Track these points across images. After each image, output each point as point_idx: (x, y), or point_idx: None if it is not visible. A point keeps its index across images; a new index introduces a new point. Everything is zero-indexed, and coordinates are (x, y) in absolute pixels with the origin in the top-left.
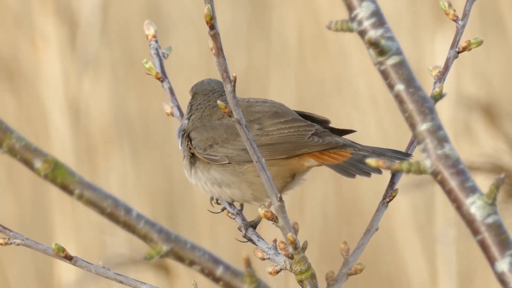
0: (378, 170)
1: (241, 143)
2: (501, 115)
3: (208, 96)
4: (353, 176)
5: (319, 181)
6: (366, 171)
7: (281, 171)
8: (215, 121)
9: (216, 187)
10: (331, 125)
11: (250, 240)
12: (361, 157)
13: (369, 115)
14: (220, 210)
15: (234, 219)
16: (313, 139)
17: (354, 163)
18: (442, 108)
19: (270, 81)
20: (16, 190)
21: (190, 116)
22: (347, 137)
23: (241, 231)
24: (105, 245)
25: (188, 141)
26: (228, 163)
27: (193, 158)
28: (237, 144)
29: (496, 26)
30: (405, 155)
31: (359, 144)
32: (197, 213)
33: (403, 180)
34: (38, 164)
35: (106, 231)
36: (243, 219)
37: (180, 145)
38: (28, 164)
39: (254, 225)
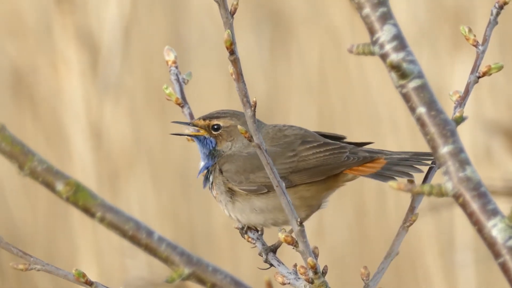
0: (417, 169)
1: (278, 170)
2: None
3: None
4: (394, 179)
5: (339, 205)
6: (406, 172)
7: (319, 190)
8: (250, 150)
9: (258, 216)
10: (349, 139)
11: (271, 265)
12: (395, 160)
13: (389, 139)
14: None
15: (254, 244)
16: (349, 158)
17: (391, 167)
18: (462, 132)
19: (291, 105)
20: (37, 213)
21: (225, 144)
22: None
23: (261, 256)
24: (126, 269)
25: (221, 175)
26: (267, 191)
27: (231, 193)
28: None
29: None
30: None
31: (386, 150)
32: (217, 236)
33: (423, 203)
34: (60, 186)
35: (127, 254)
36: (263, 244)
37: (209, 181)
38: (50, 186)
39: (274, 249)
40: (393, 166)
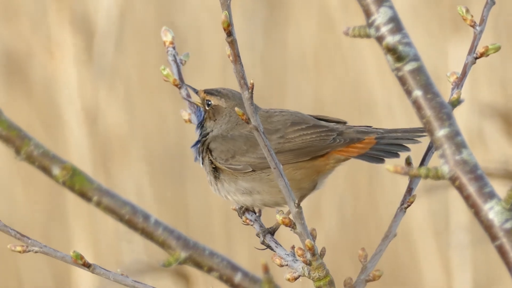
0: (406, 148)
1: (262, 151)
2: None
3: (231, 108)
4: (382, 161)
5: (337, 187)
6: (394, 152)
7: (308, 173)
8: (234, 132)
9: (246, 196)
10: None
11: (268, 246)
12: (385, 139)
13: (385, 122)
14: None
15: (252, 225)
16: (335, 140)
17: (381, 147)
18: (457, 115)
19: (286, 88)
20: (33, 197)
21: (209, 122)
22: None
23: (259, 237)
24: (123, 253)
25: (209, 154)
26: (252, 171)
27: (216, 172)
28: (258, 153)
29: (511, 32)
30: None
31: (380, 128)
32: (213, 220)
33: (419, 185)
34: (56, 171)
35: (124, 238)
36: (261, 225)
37: (198, 157)
38: (46, 171)
39: (272, 231)
40: (382, 146)
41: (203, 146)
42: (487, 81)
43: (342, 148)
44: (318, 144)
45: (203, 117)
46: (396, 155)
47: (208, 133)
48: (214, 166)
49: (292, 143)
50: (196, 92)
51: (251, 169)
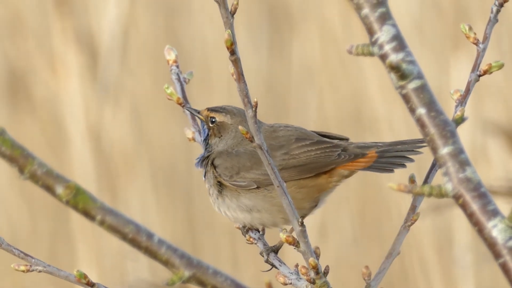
0: (409, 159)
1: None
2: None
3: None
4: (391, 171)
5: (341, 205)
6: (399, 163)
7: (311, 192)
8: (239, 149)
9: (245, 214)
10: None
11: (272, 265)
12: (387, 152)
13: (387, 138)
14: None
15: (255, 244)
16: (340, 156)
17: (383, 160)
18: (461, 132)
19: (290, 105)
20: (37, 216)
21: (213, 139)
22: None
23: (263, 256)
24: (127, 272)
25: (213, 169)
26: (257, 187)
27: (220, 187)
28: (263, 169)
29: None
30: (422, 141)
31: (379, 142)
32: (219, 238)
33: (424, 204)
34: (59, 190)
35: (128, 257)
36: (265, 244)
37: (203, 173)
38: (50, 190)
39: (276, 250)
40: (385, 159)
41: (208, 160)
42: (490, 98)
43: (347, 164)
44: (323, 160)
45: (207, 134)
46: (402, 165)
47: (213, 149)
48: (218, 182)
49: (297, 159)
50: (198, 112)
51: (255, 186)
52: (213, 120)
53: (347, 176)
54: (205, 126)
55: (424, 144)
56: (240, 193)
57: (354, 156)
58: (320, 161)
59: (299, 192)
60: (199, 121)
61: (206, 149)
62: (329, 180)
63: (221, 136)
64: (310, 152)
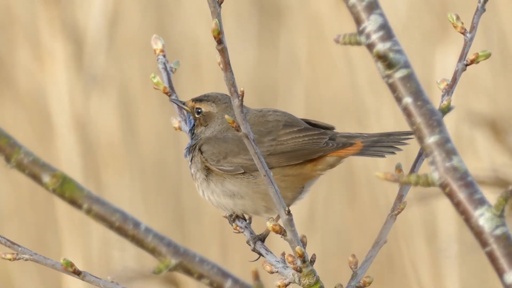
0: (396, 149)
1: None
2: (506, 130)
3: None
4: (382, 155)
5: (328, 194)
6: (380, 155)
7: (296, 181)
8: (227, 134)
9: (228, 199)
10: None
11: (259, 254)
12: (370, 143)
13: (375, 128)
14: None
15: (242, 232)
16: (327, 144)
17: (368, 149)
18: (447, 122)
19: (278, 93)
20: (23, 206)
21: (199, 129)
22: None
23: (249, 245)
24: (113, 260)
25: (200, 154)
26: (243, 173)
27: (207, 171)
28: (250, 155)
29: (500, 41)
30: (409, 133)
31: (364, 133)
32: (207, 228)
33: (411, 193)
34: (46, 178)
35: (114, 246)
36: (251, 232)
37: (189, 159)
38: (36, 178)
39: (262, 238)
40: (370, 148)
41: (195, 146)
42: (476, 88)
43: (334, 152)
44: (310, 147)
45: (193, 124)
46: (391, 152)
47: (199, 137)
48: (205, 166)
49: (284, 146)
50: (183, 103)
51: (242, 171)
52: (199, 110)
53: (332, 166)
54: (191, 117)
55: (411, 137)
56: (226, 178)
57: (342, 144)
58: (307, 148)
59: (284, 180)
60: (185, 112)
61: (192, 138)
62: (314, 169)
63: (207, 124)
64: (298, 139)
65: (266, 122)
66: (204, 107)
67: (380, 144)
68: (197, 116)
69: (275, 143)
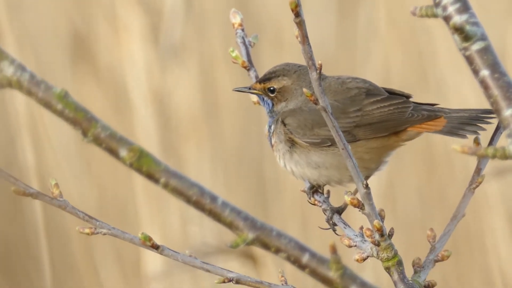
0: (480, 128)
1: (341, 125)
2: None
3: (301, 81)
4: (464, 136)
5: (406, 167)
6: (469, 130)
7: (380, 153)
8: (312, 105)
9: (313, 170)
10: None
11: (333, 226)
12: (453, 120)
13: (452, 101)
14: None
15: (320, 206)
16: (413, 114)
17: (452, 126)
18: None
19: (356, 65)
20: (99, 180)
21: (280, 105)
22: None
23: (325, 214)
24: (191, 235)
25: (283, 127)
26: (330, 145)
27: (291, 143)
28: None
29: None
30: (491, 112)
31: (445, 108)
32: (287, 202)
33: (489, 168)
34: (123, 153)
35: (193, 221)
36: (329, 205)
37: (270, 132)
38: (114, 153)
39: (340, 211)
40: (454, 125)
41: (278, 119)
42: None
43: (419, 124)
44: (397, 118)
45: (272, 104)
46: (475, 132)
47: (283, 111)
48: (289, 138)
49: (371, 116)
50: (250, 88)
51: (329, 143)
52: (273, 89)
53: (413, 137)
54: (266, 98)
55: (493, 116)
56: (311, 150)
57: (427, 116)
58: (394, 118)
59: (368, 152)
60: (255, 97)
61: (272, 117)
62: (397, 140)
63: (287, 99)
64: (384, 109)
65: (347, 90)
66: (276, 84)
67: (462, 121)
68: (272, 95)
69: (360, 113)
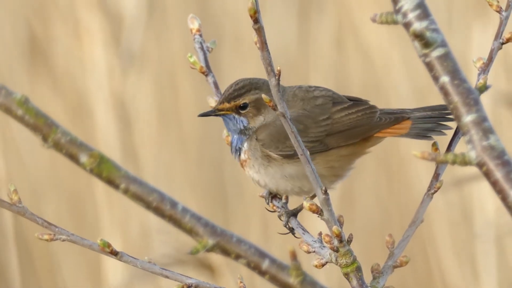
0: (445, 126)
1: (312, 134)
2: None
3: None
4: (430, 138)
5: (365, 174)
6: (437, 130)
7: (349, 160)
8: (277, 121)
9: (287, 182)
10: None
11: (291, 230)
12: (420, 119)
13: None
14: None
15: (278, 211)
16: (381, 118)
17: (418, 127)
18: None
19: (317, 73)
20: (60, 186)
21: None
22: None
23: (281, 220)
24: (152, 242)
25: (257, 143)
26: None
27: (266, 158)
28: (309, 136)
29: None
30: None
31: (406, 109)
32: (248, 206)
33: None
34: (83, 158)
35: (153, 227)
36: (286, 209)
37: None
38: (74, 158)
39: (296, 213)
40: (420, 125)
41: (252, 138)
42: (506, 68)
43: (387, 129)
44: (366, 123)
45: (246, 121)
46: (441, 133)
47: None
48: (265, 154)
49: (340, 124)
50: (215, 111)
51: (302, 153)
52: (245, 105)
53: (378, 143)
54: (237, 117)
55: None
56: (284, 162)
57: (395, 119)
58: (363, 124)
59: (339, 160)
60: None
61: (248, 133)
62: (365, 146)
63: (262, 113)
64: (352, 115)
65: (314, 98)
66: (248, 99)
67: (426, 122)
68: (243, 112)
69: (330, 121)
